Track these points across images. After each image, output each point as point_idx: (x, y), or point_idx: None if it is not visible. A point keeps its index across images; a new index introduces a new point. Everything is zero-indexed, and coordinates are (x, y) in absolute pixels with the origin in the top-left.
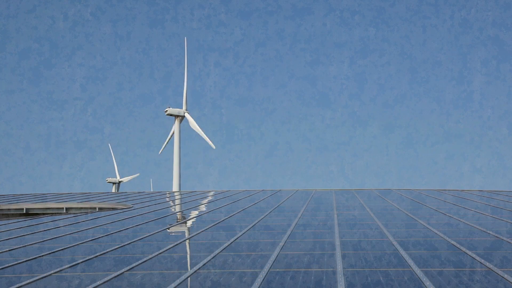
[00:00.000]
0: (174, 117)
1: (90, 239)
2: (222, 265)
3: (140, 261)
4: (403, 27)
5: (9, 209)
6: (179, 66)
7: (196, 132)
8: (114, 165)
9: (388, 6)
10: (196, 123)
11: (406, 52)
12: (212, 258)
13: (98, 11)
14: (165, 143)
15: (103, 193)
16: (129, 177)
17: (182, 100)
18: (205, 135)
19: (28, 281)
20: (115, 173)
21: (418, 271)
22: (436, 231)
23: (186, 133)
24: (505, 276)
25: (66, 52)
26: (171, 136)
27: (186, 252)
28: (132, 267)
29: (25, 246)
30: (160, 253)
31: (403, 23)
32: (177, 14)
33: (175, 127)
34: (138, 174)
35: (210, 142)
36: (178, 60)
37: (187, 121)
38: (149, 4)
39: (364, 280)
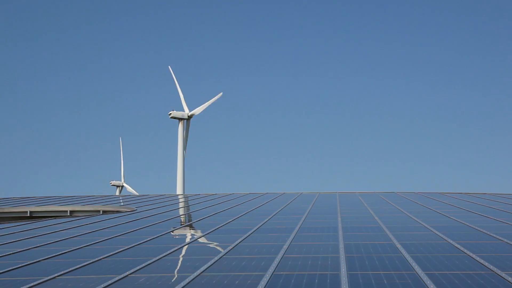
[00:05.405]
0: (178, 120)
1: (94, 242)
2: (226, 268)
3: (144, 264)
4: (403, 28)
5: (13, 212)
6: (180, 66)
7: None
8: (121, 167)
9: (387, 7)
10: (188, 131)
11: (407, 53)
12: (216, 261)
13: (102, 10)
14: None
15: (107, 196)
16: (132, 189)
17: (182, 103)
18: (181, 146)
19: (32, 284)
20: (121, 176)
21: (422, 274)
22: (440, 234)
23: (190, 135)
24: (509, 279)
25: (71, 51)
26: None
27: (190, 255)
28: (136, 270)
29: (29, 249)
30: (164, 256)
31: (403, 24)
32: (179, 14)
33: (179, 130)
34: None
35: (181, 151)
36: (179, 60)
37: (187, 124)
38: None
39: (368, 284)
